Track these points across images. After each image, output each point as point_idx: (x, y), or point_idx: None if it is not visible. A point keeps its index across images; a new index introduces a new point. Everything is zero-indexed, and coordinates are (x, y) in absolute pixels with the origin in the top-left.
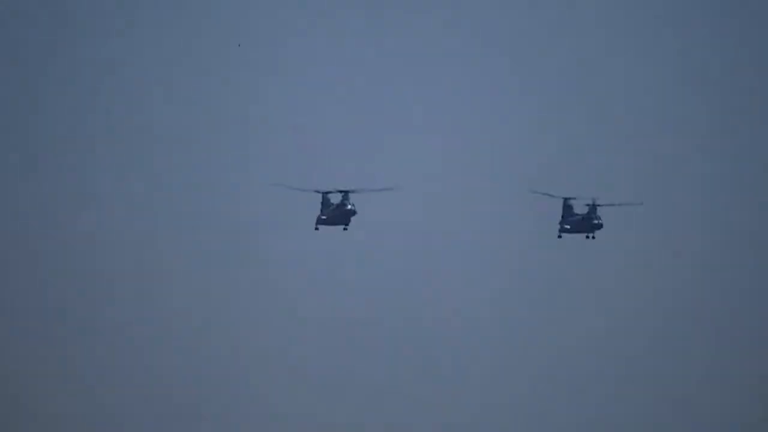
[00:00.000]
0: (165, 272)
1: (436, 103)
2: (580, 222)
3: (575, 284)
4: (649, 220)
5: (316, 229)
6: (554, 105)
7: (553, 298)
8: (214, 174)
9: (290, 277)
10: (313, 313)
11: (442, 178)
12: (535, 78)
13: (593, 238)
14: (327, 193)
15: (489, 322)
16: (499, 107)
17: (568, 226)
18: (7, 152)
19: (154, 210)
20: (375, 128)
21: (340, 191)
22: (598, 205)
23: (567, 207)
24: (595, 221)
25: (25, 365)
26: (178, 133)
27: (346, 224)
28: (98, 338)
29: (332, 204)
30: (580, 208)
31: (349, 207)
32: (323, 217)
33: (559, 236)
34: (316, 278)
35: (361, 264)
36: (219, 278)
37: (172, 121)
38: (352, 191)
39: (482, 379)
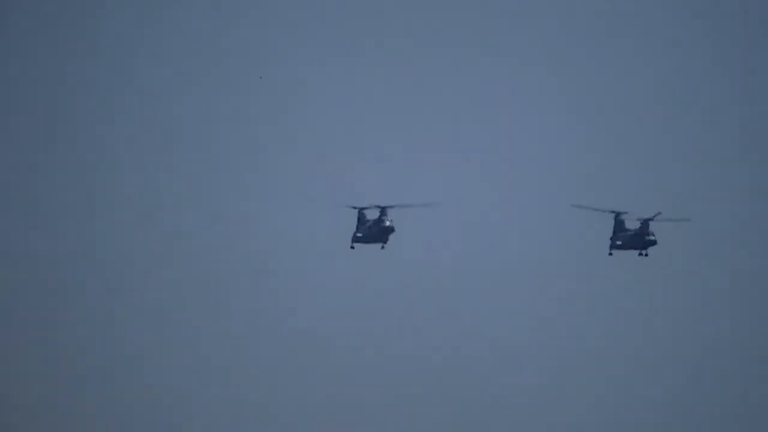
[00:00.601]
0: (180, 298)
1: (475, 115)
2: (632, 238)
3: (628, 305)
4: (705, 236)
5: (352, 248)
6: (596, 115)
7: (604, 321)
8: (239, 190)
9: (323, 301)
10: (347, 340)
11: (483, 193)
12: (577, 88)
13: (646, 255)
14: (363, 209)
15: (536, 349)
16: (539, 118)
17: (620, 243)
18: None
19: (173, 228)
20: (413, 142)
21: (378, 206)
22: (651, 220)
23: (618, 222)
24: (649, 237)
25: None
26: (200, 143)
27: (384, 242)
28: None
29: (369, 221)
30: (632, 224)
31: (388, 224)
32: (359, 235)
33: (610, 254)
34: (351, 302)
35: (400, 286)
36: (245, 301)
37: (196, 130)
38: (391, 207)
39: (530, 408)
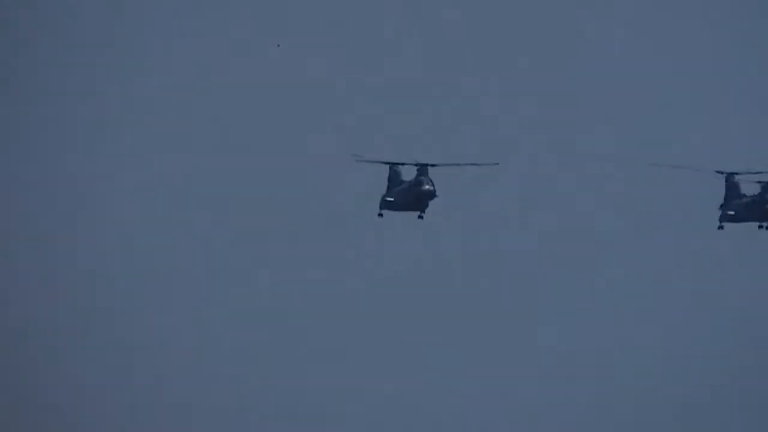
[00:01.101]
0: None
1: (541, 58)
2: (749, 206)
3: (744, 289)
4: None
5: (380, 215)
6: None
7: (714, 308)
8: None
9: (341, 286)
10: (372, 339)
11: (553, 152)
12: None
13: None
14: (396, 165)
15: (629, 347)
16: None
17: (733, 212)
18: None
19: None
20: (465, 84)
21: (416, 164)
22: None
23: (731, 186)
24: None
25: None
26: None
27: (423, 210)
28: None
29: (403, 181)
30: (749, 188)
31: (427, 187)
32: (389, 199)
33: (720, 227)
34: (376, 289)
35: (441, 269)
36: (242, 280)
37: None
38: (432, 165)
39: (632, 402)
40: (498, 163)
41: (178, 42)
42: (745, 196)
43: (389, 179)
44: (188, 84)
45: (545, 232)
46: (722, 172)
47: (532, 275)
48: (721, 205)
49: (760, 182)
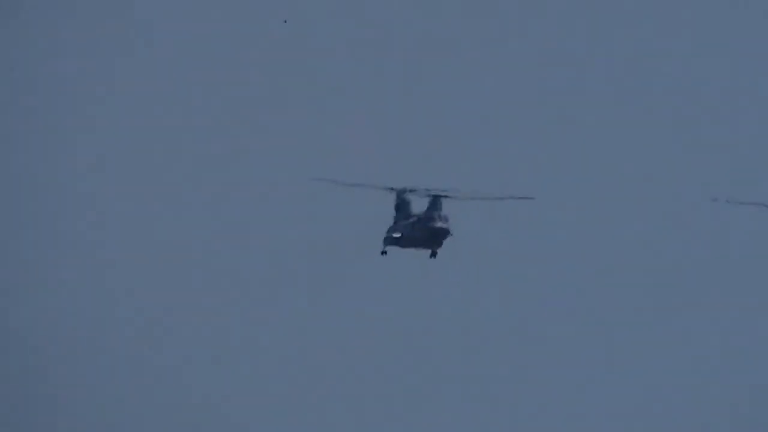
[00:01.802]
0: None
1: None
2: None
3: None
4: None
5: (383, 252)
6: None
7: None
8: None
9: (335, 342)
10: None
11: (591, 185)
12: None
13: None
14: (405, 192)
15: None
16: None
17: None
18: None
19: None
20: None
21: (429, 193)
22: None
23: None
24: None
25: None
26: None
27: (436, 248)
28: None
29: (413, 215)
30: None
31: (440, 224)
32: (396, 235)
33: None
34: (379, 343)
35: (458, 318)
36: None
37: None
38: (448, 196)
39: None
40: (534, 198)
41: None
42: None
43: (397, 208)
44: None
45: (589, 283)
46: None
47: (564, 341)
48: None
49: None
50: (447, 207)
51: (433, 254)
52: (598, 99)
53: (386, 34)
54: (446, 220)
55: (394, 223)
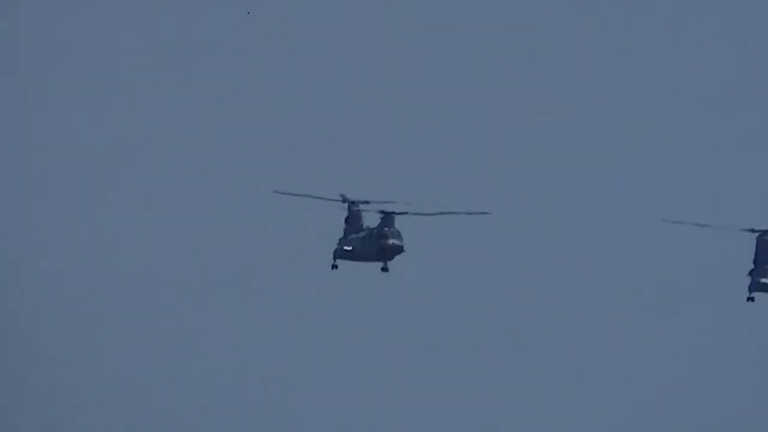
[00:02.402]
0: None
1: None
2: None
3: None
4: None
5: (334, 266)
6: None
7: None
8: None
9: (280, 355)
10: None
11: (549, 201)
12: None
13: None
14: (356, 203)
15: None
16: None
17: (766, 280)
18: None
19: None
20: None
21: (381, 211)
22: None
23: (763, 244)
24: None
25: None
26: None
27: (386, 262)
28: None
29: (364, 228)
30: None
31: (392, 241)
32: (347, 248)
33: (750, 298)
34: (326, 359)
35: (408, 335)
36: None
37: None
38: (401, 213)
39: None
40: (489, 213)
41: None
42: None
43: (347, 221)
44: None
45: (535, 296)
46: (753, 230)
47: (514, 353)
48: (751, 271)
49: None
50: (400, 221)
51: (385, 268)
52: (550, 119)
53: (347, 49)
54: (399, 236)
55: (345, 235)
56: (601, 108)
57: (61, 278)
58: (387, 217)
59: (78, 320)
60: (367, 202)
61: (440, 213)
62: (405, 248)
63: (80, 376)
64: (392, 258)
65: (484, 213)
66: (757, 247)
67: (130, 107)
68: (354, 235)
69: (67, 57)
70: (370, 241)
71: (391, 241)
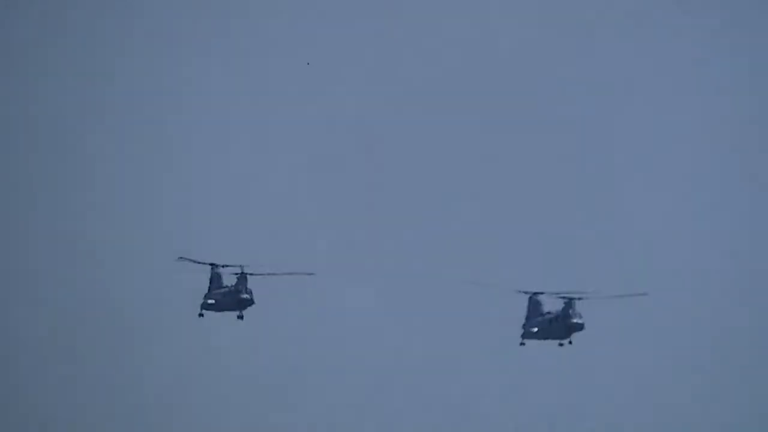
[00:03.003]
0: None
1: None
2: (552, 323)
3: (546, 411)
4: (645, 316)
5: (201, 315)
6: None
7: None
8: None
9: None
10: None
11: (369, 266)
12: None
13: (570, 343)
14: (218, 266)
15: None
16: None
17: (536, 329)
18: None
19: None
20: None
21: (238, 272)
22: (579, 299)
23: (534, 304)
24: (574, 320)
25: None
26: None
27: (241, 310)
28: None
29: (225, 286)
30: (551, 304)
31: (245, 296)
32: (210, 302)
33: (522, 343)
34: (196, 388)
35: (260, 370)
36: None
37: None
38: (252, 274)
39: None
40: (314, 273)
41: None
42: (547, 313)
43: (211, 280)
44: None
45: (357, 343)
46: (526, 292)
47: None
48: (524, 323)
49: (562, 298)
50: (252, 283)
51: (240, 316)
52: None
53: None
54: (250, 292)
55: (209, 291)
56: None
57: None
58: (242, 276)
59: None
60: (227, 266)
61: (267, 274)
62: (254, 301)
63: None
64: (246, 306)
65: (310, 273)
66: (528, 304)
67: None
68: (216, 291)
69: None
70: (228, 296)
71: (243, 295)
